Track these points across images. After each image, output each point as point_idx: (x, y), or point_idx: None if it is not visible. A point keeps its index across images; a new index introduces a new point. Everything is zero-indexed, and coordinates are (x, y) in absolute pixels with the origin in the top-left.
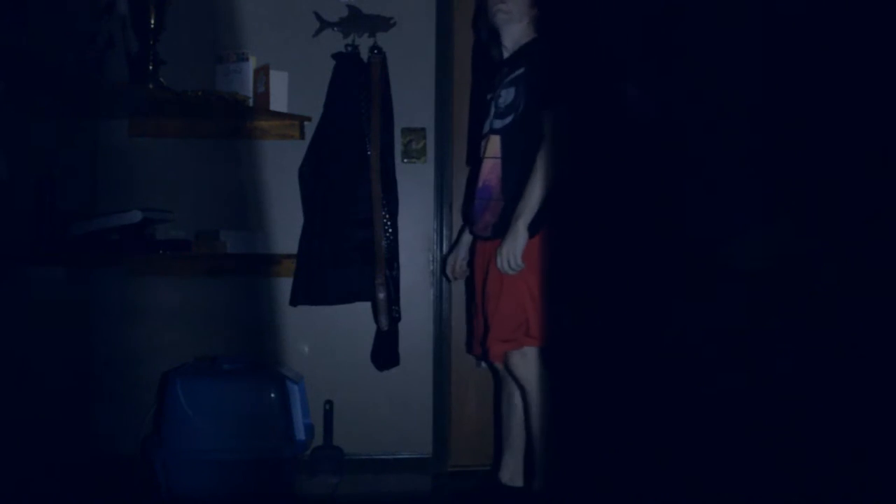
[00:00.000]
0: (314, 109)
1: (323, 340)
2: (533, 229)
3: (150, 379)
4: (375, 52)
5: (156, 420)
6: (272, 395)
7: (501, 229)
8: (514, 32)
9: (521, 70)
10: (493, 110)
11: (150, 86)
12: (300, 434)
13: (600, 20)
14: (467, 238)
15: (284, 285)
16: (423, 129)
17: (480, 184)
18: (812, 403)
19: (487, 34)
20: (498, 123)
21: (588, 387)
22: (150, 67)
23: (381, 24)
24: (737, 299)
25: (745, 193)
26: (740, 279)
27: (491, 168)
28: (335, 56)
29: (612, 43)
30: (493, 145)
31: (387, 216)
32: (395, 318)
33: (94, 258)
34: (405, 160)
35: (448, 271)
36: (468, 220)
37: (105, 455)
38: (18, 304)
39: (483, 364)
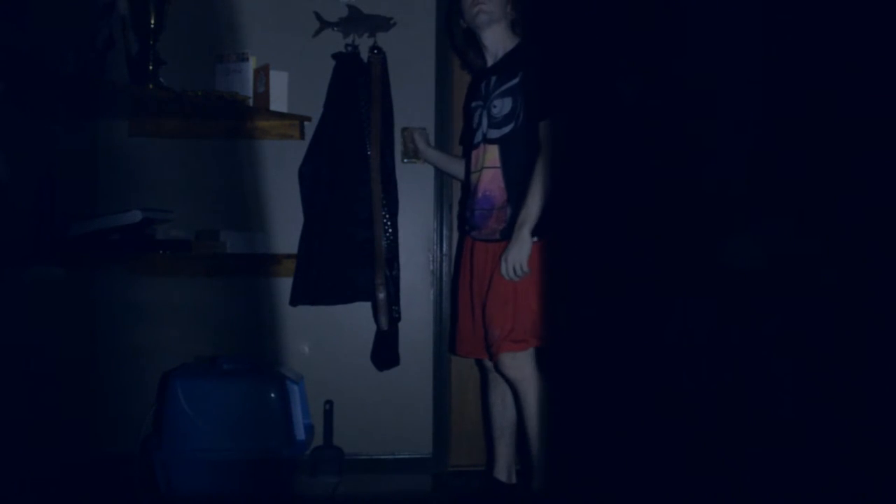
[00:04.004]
0: (314, 109)
1: (323, 340)
2: (536, 233)
3: (150, 379)
4: (375, 52)
5: (156, 420)
6: (272, 395)
7: (510, 233)
8: (496, 34)
9: (517, 79)
10: (485, 120)
11: (150, 86)
12: (300, 434)
13: (586, 18)
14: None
15: (284, 285)
16: (423, 129)
17: (480, 194)
18: (812, 404)
19: (464, 39)
20: (494, 133)
21: (585, 386)
22: (150, 67)
23: (381, 24)
24: (733, 300)
25: (744, 193)
26: (737, 280)
27: (491, 178)
28: (335, 56)
29: (602, 42)
30: (492, 155)
31: (387, 216)
32: (394, 318)
33: (94, 258)
34: (405, 160)
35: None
36: (469, 226)
37: (105, 455)
38: (18, 304)
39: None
